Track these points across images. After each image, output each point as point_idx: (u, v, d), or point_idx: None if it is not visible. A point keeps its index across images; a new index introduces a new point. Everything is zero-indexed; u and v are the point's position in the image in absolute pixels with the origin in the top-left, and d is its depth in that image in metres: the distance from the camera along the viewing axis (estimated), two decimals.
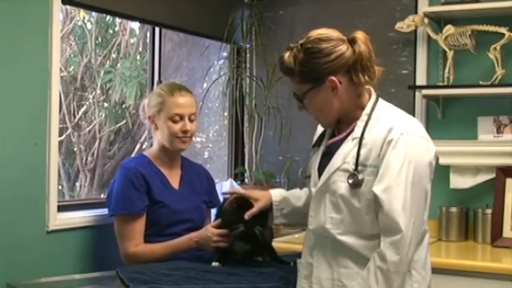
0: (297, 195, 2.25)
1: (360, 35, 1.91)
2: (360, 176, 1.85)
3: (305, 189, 2.23)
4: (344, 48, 1.88)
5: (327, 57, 1.87)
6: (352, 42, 1.90)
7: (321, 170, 1.96)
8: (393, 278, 1.79)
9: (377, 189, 1.82)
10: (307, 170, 2.06)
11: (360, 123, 1.92)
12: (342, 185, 1.88)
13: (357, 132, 1.91)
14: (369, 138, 1.88)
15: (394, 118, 1.91)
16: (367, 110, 1.93)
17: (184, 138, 2.56)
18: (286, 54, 1.92)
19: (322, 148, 2.03)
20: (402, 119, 1.92)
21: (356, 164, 1.87)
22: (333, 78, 1.87)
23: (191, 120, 2.58)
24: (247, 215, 2.21)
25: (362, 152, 1.87)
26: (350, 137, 1.93)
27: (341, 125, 2.00)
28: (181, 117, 2.55)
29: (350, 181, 1.86)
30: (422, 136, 1.91)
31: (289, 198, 2.25)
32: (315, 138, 2.11)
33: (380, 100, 1.97)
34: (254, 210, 2.22)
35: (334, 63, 1.87)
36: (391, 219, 1.79)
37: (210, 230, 2.41)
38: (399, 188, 1.80)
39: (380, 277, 1.79)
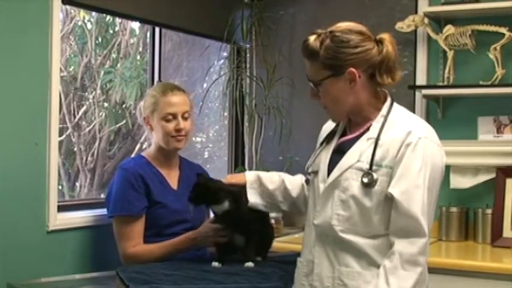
0: (272, 179, 2.25)
1: (387, 36, 1.92)
2: (375, 176, 1.86)
3: (293, 177, 2.25)
4: (371, 45, 1.89)
5: (353, 49, 1.87)
6: (379, 42, 1.91)
7: (331, 166, 1.96)
8: (417, 271, 1.79)
9: (395, 191, 1.82)
10: (313, 165, 2.06)
11: (376, 124, 1.92)
12: (354, 183, 1.88)
13: (372, 132, 1.91)
14: (385, 140, 1.88)
15: (411, 122, 1.92)
16: (383, 111, 1.94)
17: (179, 137, 2.56)
18: (313, 38, 1.91)
19: (332, 145, 2.02)
20: (419, 124, 1.93)
21: (371, 164, 1.87)
22: (353, 70, 1.87)
23: (185, 119, 2.58)
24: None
25: (378, 152, 1.87)
26: (364, 137, 1.92)
27: (353, 124, 2.00)
28: (174, 116, 2.55)
29: (365, 180, 1.86)
30: (437, 143, 1.92)
31: (262, 179, 2.25)
32: (324, 135, 2.09)
33: (395, 103, 1.98)
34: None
35: (358, 56, 1.87)
36: (415, 222, 1.79)
37: (207, 226, 2.41)
38: (418, 190, 1.81)
39: (407, 271, 1.78)
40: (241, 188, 2.25)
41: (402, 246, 1.81)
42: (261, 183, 2.24)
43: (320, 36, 1.91)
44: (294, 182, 2.24)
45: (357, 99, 1.92)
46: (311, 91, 1.95)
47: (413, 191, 1.82)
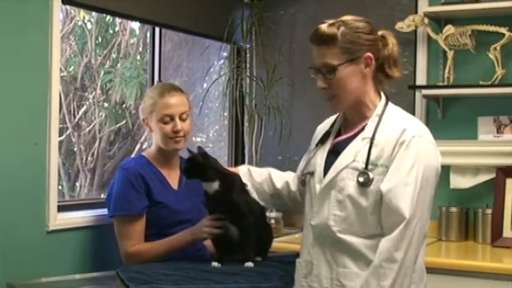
0: (260, 173, 2.31)
1: (389, 33, 1.98)
2: (371, 175, 1.86)
3: (281, 172, 2.30)
4: (378, 36, 1.95)
5: (367, 35, 1.92)
6: (382, 37, 1.96)
7: (327, 167, 1.96)
8: (395, 272, 1.79)
9: (384, 186, 1.83)
10: (309, 166, 2.06)
11: (371, 124, 1.93)
12: (350, 183, 1.88)
13: (368, 132, 1.92)
14: (380, 139, 1.89)
15: (405, 120, 1.93)
16: (378, 111, 1.95)
17: (177, 138, 2.56)
18: (326, 25, 1.92)
19: (328, 146, 2.02)
20: (413, 123, 1.94)
21: (367, 163, 1.87)
22: (370, 55, 1.90)
23: (183, 120, 2.57)
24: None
25: (373, 151, 1.88)
26: (359, 136, 1.93)
27: (348, 123, 2.01)
28: (172, 118, 2.55)
29: (361, 179, 1.86)
30: (432, 142, 1.92)
31: (252, 172, 2.32)
32: (318, 137, 2.09)
33: (390, 103, 1.99)
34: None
35: (372, 42, 1.92)
36: (401, 219, 1.79)
37: (203, 218, 2.42)
38: (407, 188, 1.81)
39: (385, 268, 1.79)
40: (236, 177, 2.31)
41: (382, 243, 1.81)
42: (251, 176, 2.30)
43: (334, 24, 1.92)
44: (280, 176, 2.29)
45: (364, 88, 1.93)
46: (322, 79, 1.92)
47: (402, 188, 1.81)
